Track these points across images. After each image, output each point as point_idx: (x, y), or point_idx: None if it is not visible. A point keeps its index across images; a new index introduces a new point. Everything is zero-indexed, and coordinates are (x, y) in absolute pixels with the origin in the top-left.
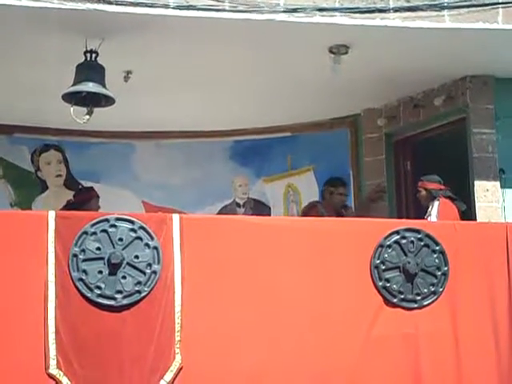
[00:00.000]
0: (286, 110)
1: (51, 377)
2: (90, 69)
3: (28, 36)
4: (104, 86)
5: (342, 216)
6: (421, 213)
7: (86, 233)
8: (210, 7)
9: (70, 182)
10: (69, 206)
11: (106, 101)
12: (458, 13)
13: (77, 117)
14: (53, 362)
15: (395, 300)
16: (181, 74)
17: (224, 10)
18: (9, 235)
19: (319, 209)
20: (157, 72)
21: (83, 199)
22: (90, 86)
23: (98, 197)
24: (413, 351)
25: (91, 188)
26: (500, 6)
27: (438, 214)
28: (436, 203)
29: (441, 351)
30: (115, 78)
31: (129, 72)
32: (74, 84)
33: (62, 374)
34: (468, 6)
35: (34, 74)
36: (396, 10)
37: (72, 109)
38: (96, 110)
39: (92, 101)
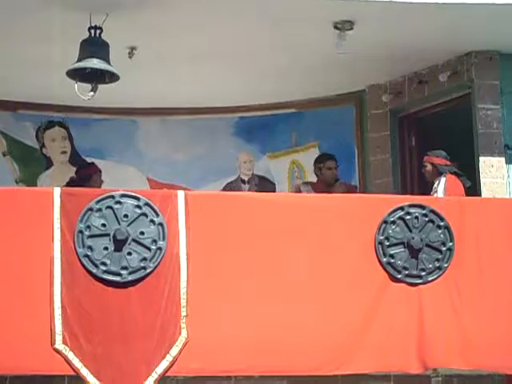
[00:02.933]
0: (290, 87)
1: (57, 352)
2: (95, 45)
3: (32, 12)
4: (108, 62)
5: (333, 191)
6: (425, 188)
7: (91, 209)
8: None
9: (75, 159)
10: (71, 183)
11: (111, 77)
12: None
13: (81, 93)
14: (59, 338)
15: (400, 276)
16: (185, 50)
17: None
18: (14, 212)
19: (304, 191)
20: (161, 48)
21: (85, 175)
22: (95, 63)
23: (100, 172)
24: (417, 326)
25: (92, 163)
26: None
27: (445, 191)
28: (443, 179)
29: (445, 326)
30: (120, 55)
31: (133, 48)
32: (79, 60)
33: (67, 349)
34: None
35: (38, 50)
36: None
37: (76, 85)
38: (100, 86)
39: (96, 77)
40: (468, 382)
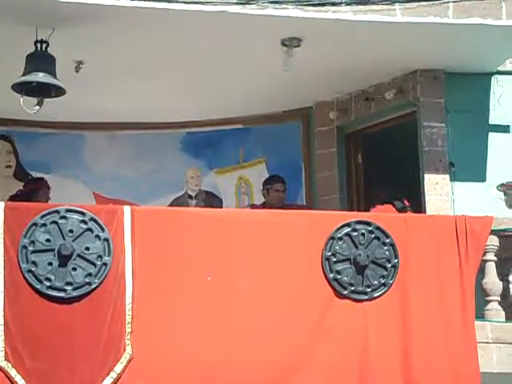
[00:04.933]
0: (238, 102)
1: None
2: (41, 59)
3: None
4: (55, 76)
5: None
6: (371, 205)
7: (35, 224)
8: None
9: (20, 173)
10: (17, 197)
11: (57, 91)
12: (410, 7)
13: (27, 107)
14: (1, 354)
15: (346, 292)
16: (132, 64)
17: (176, 1)
18: None
19: None
20: (108, 62)
21: (32, 189)
22: (41, 76)
23: (48, 188)
24: (361, 342)
25: (41, 179)
26: (450, 0)
27: None
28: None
29: (390, 342)
30: (66, 69)
31: (80, 62)
32: (24, 74)
33: (10, 365)
34: (419, 0)
35: None
36: (348, 3)
37: (22, 99)
38: (46, 100)
39: (42, 91)
40: None
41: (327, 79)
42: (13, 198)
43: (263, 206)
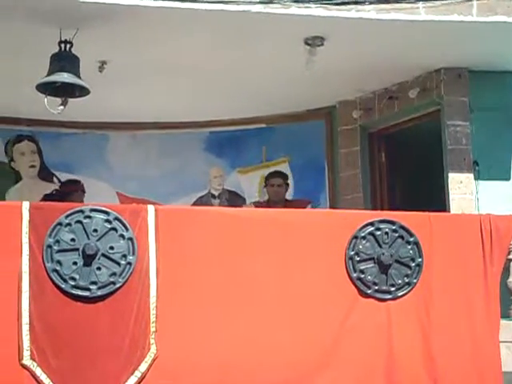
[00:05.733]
0: (261, 102)
1: (25, 367)
2: (65, 59)
3: (1, 25)
4: (79, 76)
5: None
6: (395, 204)
7: (60, 224)
8: None
9: (44, 173)
10: (51, 196)
11: (81, 91)
12: (433, 5)
13: (51, 107)
14: (26, 353)
15: (369, 291)
16: (156, 64)
17: (200, 1)
18: None
19: None
20: (132, 62)
21: (67, 191)
22: (65, 77)
23: (83, 191)
24: (386, 341)
25: (78, 181)
26: None
27: None
28: None
29: (414, 342)
30: (90, 69)
31: (104, 62)
32: (49, 74)
33: (35, 364)
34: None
35: (8, 64)
36: (371, 2)
37: (46, 99)
38: (70, 100)
39: (66, 91)
40: None
41: (350, 78)
42: (47, 197)
43: (267, 202)
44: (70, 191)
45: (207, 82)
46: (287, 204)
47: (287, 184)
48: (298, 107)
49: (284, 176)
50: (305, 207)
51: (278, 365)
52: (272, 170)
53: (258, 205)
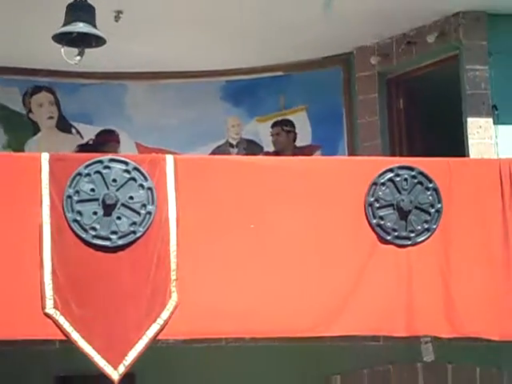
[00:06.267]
0: (278, 49)
1: (48, 316)
2: (81, 9)
3: None
4: (94, 26)
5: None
6: (413, 150)
7: (79, 174)
8: None
9: (62, 124)
10: (86, 146)
11: (97, 41)
12: None
13: (68, 58)
14: (49, 302)
15: (389, 237)
16: (172, 13)
17: None
18: (2, 177)
19: None
20: (148, 11)
21: (101, 141)
22: (80, 26)
23: (118, 142)
24: (405, 288)
25: (112, 131)
26: None
27: None
28: None
29: (433, 287)
30: (106, 18)
31: (119, 12)
32: (65, 25)
33: (58, 313)
34: None
35: (24, 15)
36: None
37: (63, 50)
38: (87, 50)
39: (83, 41)
40: (462, 344)
41: (368, 23)
42: (82, 148)
43: (275, 154)
44: (105, 141)
45: (223, 31)
46: (295, 151)
47: (289, 131)
48: (316, 54)
49: (282, 124)
50: (313, 153)
51: (298, 311)
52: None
53: (266, 155)
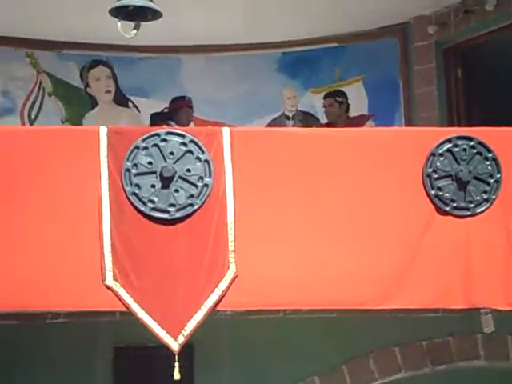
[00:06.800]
0: (333, 20)
1: (108, 288)
2: None
3: None
4: None
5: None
6: (472, 120)
7: (137, 147)
8: None
9: (120, 98)
10: (159, 115)
11: (153, 15)
12: None
13: (124, 32)
14: (109, 274)
15: (447, 208)
16: None
17: None
18: (61, 151)
19: None
20: None
21: (172, 109)
22: (137, 0)
23: (190, 107)
24: (464, 259)
25: (183, 97)
26: None
27: None
28: None
29: (493, 259)
30: None
31: None
32: None
33: (118, 285)
34: None
35: None
36: None
37: (119, 23)
38: (143, 24)
39: (139, 15)
40: None
41: None
42: (156, 116)
43: (328, 125)
44: (178, 108)
45: (278, 2)
46: (348, 121)
47: (342, 102)
48: (371, 25)
49: (335, 95)
50: (365, 123)
51: (354, 284)
52: (346, 91)
53: (319, 126)
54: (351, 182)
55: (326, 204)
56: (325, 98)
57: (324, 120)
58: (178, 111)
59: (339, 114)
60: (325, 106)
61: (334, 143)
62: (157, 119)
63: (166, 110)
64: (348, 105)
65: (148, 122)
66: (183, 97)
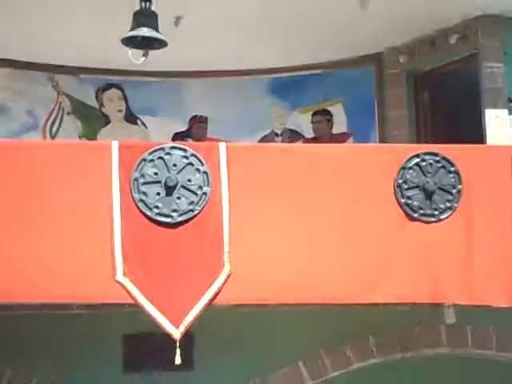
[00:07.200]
0: (317, 50)
1: (118, 283)
2: (145, 16)
3: None
4: (157, 30)
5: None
6: (436, 138)
7: (144, 160)
8: None
9: (129, 116)
10: (179, 134)
11: (159, 44)
12: None
13: (134, 58)
14: (119, 271)
15: (416, 215)
16: (223, 20)
17: None
18: (78, 162)
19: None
20: (203, 17)
21: (189, 126)
22: (145, 31)
23: (200, 122)
24: (431, 259)
25: (194, 116)
26: None
27: None
28: None
29: (455, 259)
30: (167, 23)
31: (178, 18)
32: (132, 29)
33: (127, 280)
34: None
35: (97, 23)
36: None
37: (130, 51)
38: (151, 52)
39: (147, 44)
40: (480, 308)
41: (397, 26)
42: (176, 135)
43: (313, 139)
44: (191, 126)
45: (269, 34)
46: (332, 137)
47: (329, 120)
48: (351, 54)
49: (323, 113)
50: (347, 140)
51: (339, 282)
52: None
53: (305, 141)
54: (334, 191)
55: (311, 211)
56: (314, 115)
57: (311, 135)
58: (191, 128)
59: (326, 130)
60: (313, 122)
61: (317, 158)
62: (177, 138)
63: (184, 129)
64: (333, 123)
65: (153, 138)
66: (195, 116)
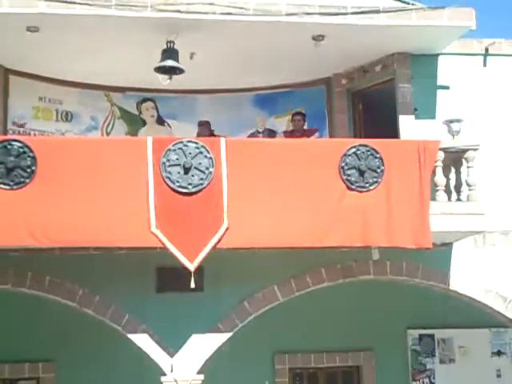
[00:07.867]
0: (287, 74)
1: (153, 233)
2: (169, 52)
3: (133, 33)
4: (178, 61)
5: (298, 136)
6: (367, 135)
7: (169, 150)
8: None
9: (159, 120)
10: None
11: (179, 71)
12: (390, 14)
13: (162, 80)
14: (153, 224)
15: (353, 186)
16: (223, 53)
17: (247, 14)
18: (124, 152)
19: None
20: (208, 53)
21: (199, 125)
22: (170, 62)
23: (200, 125)
24: (362, 215)
25: (200, 121)
26: (413, 9)
27: None
28: None
29: (379, 216)
30: (185, 57)
31: (193, 53)
32: (161, 61)
33: (159, 231)
34: (396, 11)
35: (138, 57)
36: (354, 12)
37: (160, 76)
38: (173, 76)
39: (171, 71)
40: (396, 250)
41: (340, 58)
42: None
43: (291, 132)
44: (200, 125)
45: (253, 63)
46: (303, 132)
47: (304, 120)
48: (309, 77)
49: (301, 114)
50: (314, 133)
51: (304, 233)
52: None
53: (285, 132)
54: (299, 169)
55: (285, 182)
56: (294, 115)
57: (281, 136)
58: (200, 127)
59: (301, 126)
60: (294, 120)
61: (289, 148)
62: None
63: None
64: (305, 121)
65: (175, 135)
66: (201, 120)
